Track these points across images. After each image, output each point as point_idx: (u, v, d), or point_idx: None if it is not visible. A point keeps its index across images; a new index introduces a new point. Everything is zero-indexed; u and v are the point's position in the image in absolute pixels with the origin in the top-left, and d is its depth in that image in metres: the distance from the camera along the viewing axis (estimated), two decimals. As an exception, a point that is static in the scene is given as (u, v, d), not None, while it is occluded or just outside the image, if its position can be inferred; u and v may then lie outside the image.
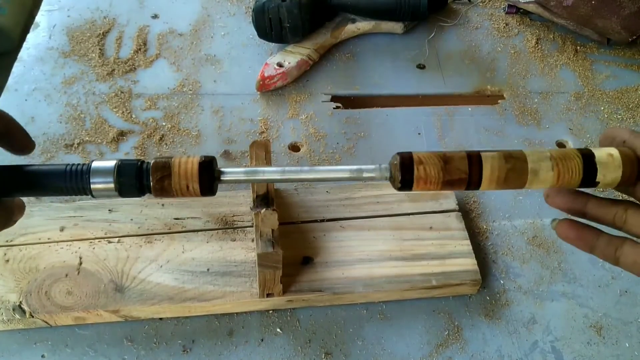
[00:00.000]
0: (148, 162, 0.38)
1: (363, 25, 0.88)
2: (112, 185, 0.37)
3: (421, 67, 0.86)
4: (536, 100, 0.83)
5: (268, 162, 0.57)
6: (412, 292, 0.59)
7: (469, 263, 0.61)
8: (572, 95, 0.84)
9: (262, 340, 0.57)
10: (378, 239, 0.62)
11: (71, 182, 0.37)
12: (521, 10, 0.95)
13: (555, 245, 0.67)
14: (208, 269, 0.58)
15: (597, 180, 0.38)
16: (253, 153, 0.57)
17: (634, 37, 0.87)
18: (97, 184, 0.37)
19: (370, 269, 0.60)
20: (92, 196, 0.37)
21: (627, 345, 0.59)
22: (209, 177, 0.37)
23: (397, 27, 0.89)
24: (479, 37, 0.92)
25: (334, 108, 0.80)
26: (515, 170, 0.38)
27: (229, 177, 0.38)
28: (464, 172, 0.37)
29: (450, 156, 0.38)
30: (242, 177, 0.39)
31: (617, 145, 0.39)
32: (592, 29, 0.88)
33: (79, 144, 0.72)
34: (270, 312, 0.59)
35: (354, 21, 0.87)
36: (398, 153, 0.38)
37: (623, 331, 0.60)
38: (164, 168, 0.37)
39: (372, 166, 0.39)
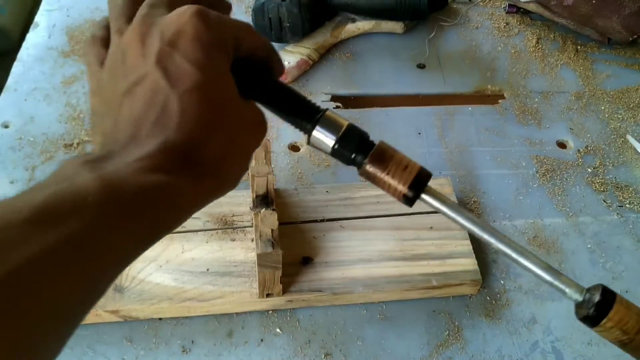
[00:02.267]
0: (373, 142, 0.37)
1: (363, 24, 0.87)
2: (331, 143, 0.36)
3: (421, 66, 0.86)
4: (537, 99, 0.83)
5: (268, 162, 0.56)
6: (412, 292, 0.59)
7: (469, 263, 0.61)
8: (573, 95, 0.84)
9: (261, 340, 0.57)
10: (378, 239, 0.62)
11: (300, 115, 0.38)
12: (521, 10, 0.95)
13: (556, 246, 0.67)
14: (207, 269, 0.58)
15: None
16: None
17: (635, 36, 0.87)
18: (319, 133, 0.37)
19: (370, 269, 0.59)
20: (308, 142, 0.37)
21: (628, 345, 0.59)
22: (418, 188, 0.36)
23: (397, 26, 0.89)
24: (480, 37, 0.91)
25: (334, 108, 0.79)
26: None
27: (429, 200, 0.36)
28: None
29: None
30: (442, 207, 0.36)
31: None
32: (592, 29, 0.88)
33: (78, 144, 0.72)
34: (270, 312, 0.59)
35: (354, 21, 0.87)
36: (603, 286, 0.34)
37: (624, 331, 0.60)
38: (383, 155, 0.36)
39: (572, 282, 0.35)
